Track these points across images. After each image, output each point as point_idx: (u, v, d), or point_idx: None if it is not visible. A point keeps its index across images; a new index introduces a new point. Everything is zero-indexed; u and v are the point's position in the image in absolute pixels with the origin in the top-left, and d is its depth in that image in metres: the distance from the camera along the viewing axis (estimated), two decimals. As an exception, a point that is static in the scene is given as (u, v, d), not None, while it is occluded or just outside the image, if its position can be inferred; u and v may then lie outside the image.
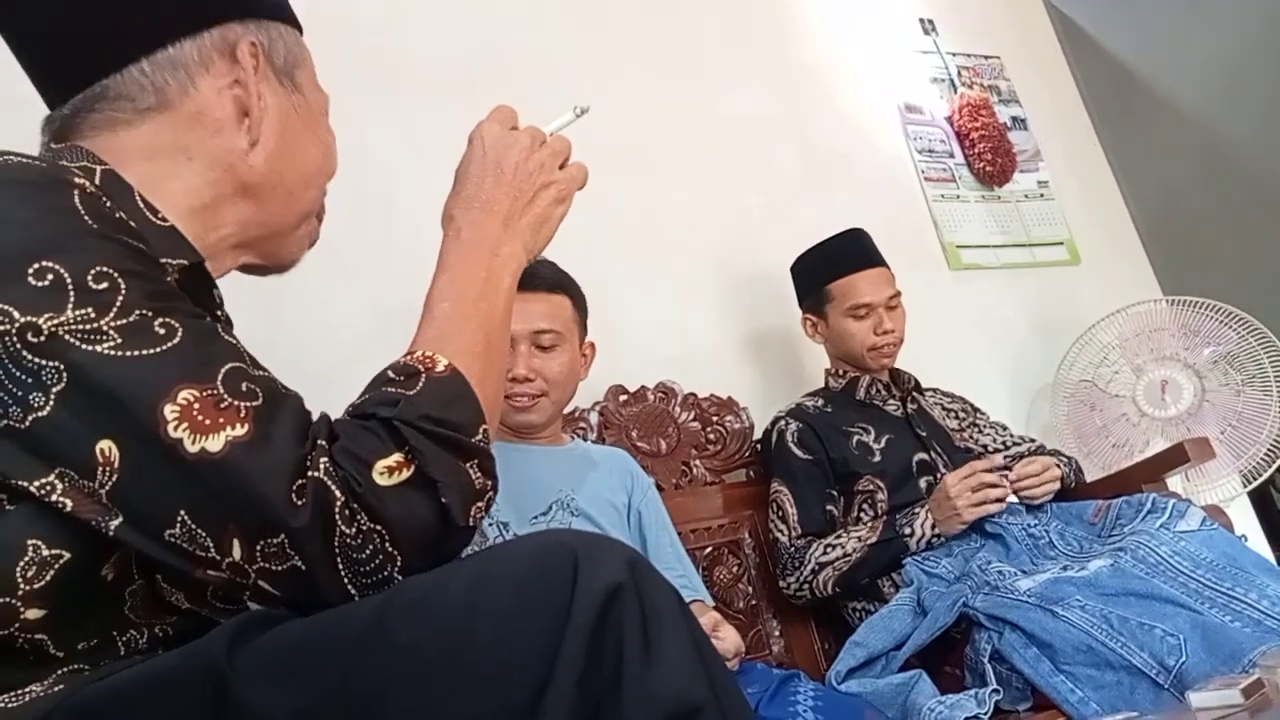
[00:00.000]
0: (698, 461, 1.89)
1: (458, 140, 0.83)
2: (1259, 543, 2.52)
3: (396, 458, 0.60)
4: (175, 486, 0.57)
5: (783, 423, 1.85)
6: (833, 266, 1.93)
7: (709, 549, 1.82)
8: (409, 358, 0.67)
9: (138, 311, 0.59)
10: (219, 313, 0.78)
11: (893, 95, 2.74)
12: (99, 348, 0.57)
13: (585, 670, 0.53)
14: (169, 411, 0.56)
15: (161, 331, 0.59)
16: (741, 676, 1.41)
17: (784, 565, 1.73)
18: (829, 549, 1.68)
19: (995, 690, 1.34)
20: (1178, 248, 2.95)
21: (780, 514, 1.76)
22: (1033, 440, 1.98)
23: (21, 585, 0.58)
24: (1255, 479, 2.27)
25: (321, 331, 1.72)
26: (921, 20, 2.93)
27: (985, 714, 1.30)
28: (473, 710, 0.53)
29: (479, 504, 0.64)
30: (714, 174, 2.33)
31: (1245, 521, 2.52)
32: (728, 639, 1.35)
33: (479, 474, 0.64)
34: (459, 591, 0.56)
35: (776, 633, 1.79)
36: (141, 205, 0.69)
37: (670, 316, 2.13)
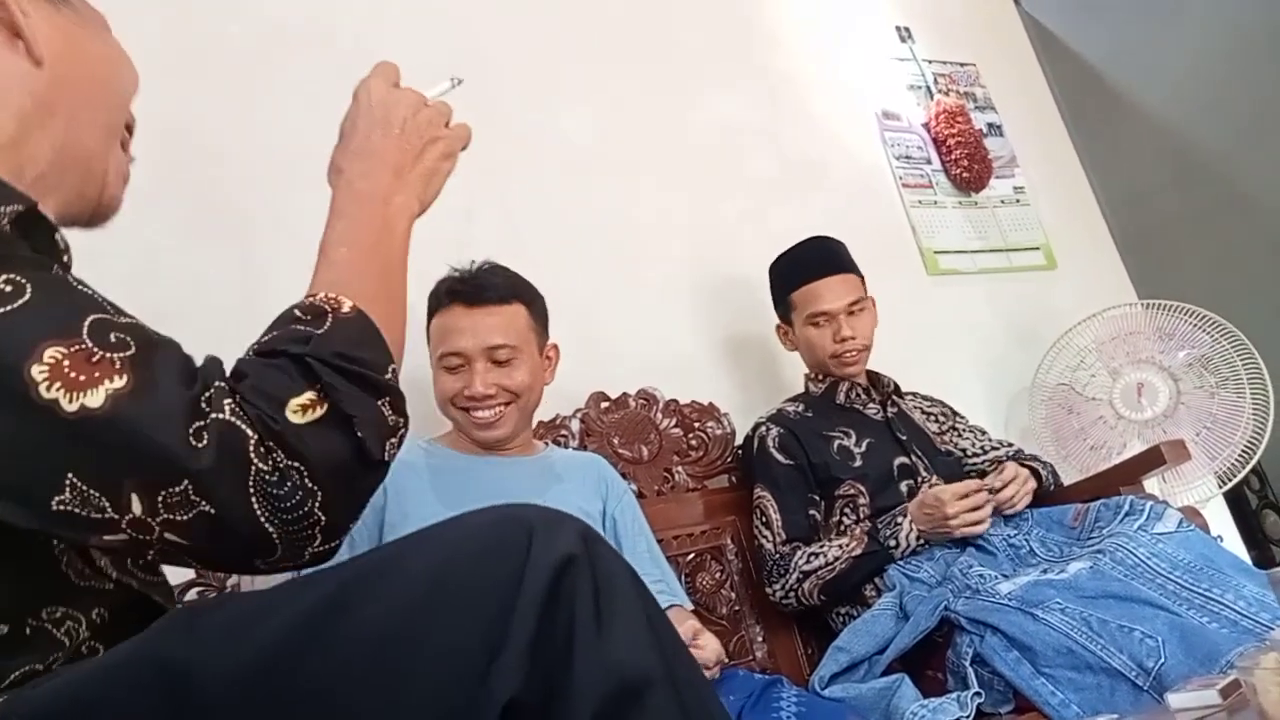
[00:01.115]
0: (680, 468, 1.89)
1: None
2: (1234, 543, 2.55)
3: (309, 395, 0.59)
4: (57, 450, 0.53)
5: (763, 428, 1.86)
6: (793, 275, 1.94)
7: (691, 555, 1.82)
8: (314, 298, 0.66)
9: None
10: (65, 259, 0.71)
11: (870, 102, 2.76)
12: None
13: (536, 638, 0.54)
14: (37, 372, 0.53)
15: (8, 289, 0.55)
16: (724, 684, 1.41)
17: (769, 572, 1.73)
18: (812, 557, 1.68)
19: (977, 693, 1.34)
20: (1152, 252, 2.99)
21: (764, 520, 1.77)
22: (1010, 444, 2.00)
23: None
24: (1230, 480, 2.30)
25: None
26: (898, 28, 2.96)
27: (967, 717, 1.30)
28: (429, 680, 0.54)
29: (393, 439, 0.64)
30: (695, 181, 2.34)
31: (1221, 522, 2.55)
32: (708, 647, 1.35)
33: (391, 411, 0.63)
34: (417, 564, 0.57)
35: (760, 638, 1.79)
36: None
37: (651, 323, 2.14)
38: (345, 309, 0.65)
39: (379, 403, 0.62)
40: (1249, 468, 2.28)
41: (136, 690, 0.54)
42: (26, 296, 0.55)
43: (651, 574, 1.52)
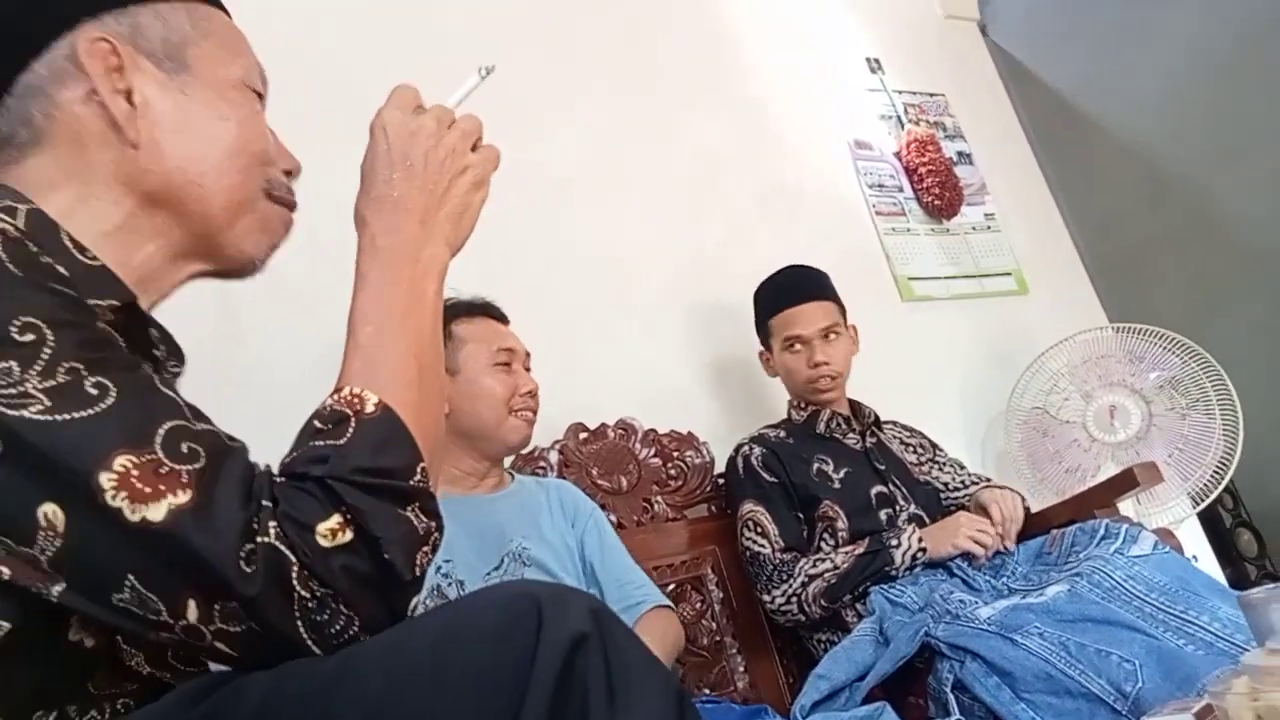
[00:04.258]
0: (659, 498, 1.89)
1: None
2: (1209, 562, 2.58)
3: (336, 519, 0.58)
4: (120, 552, 0.54)
5: (746, 448, 1.87)
6: (771, 302, 1.99)
7: (672, 585, 1.81)
8: (336, 398, 0.64)
9: (66, 365, 0.55)
10: (156, 351, 0.73)
11: (843, 132, 2.81)
12: (25, 412, 0.53)
13: None
14: (105, 480, 0.53)
15: (94, 391, 0.56)
16: (708, 715, 1.40)
17: (769, 578, 1.71)
18: (818, 562, 1.68)
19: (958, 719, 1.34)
20: (1122, 276, 3.04)
21: (759, 530, 1.76)
22: (988, 479, 2.00)
23: None
24: (1203, 500, 2.32)
25: (277, 367, 1.69)
26: (868, 59, 3.01)
27: (949, 744, 1.30)
28: None
29: (425, 549, 0.62)
30: (669, 209, 2.35)
31: (1195, 542, 2.58)
32: None
33: (421, 518, 0.61)
34: (425, 644, 0.55)
35: (741, 668, 1.79)
36: (69, 244, 0.65)
37: (628, 353, 2.14)
38: (369, 409, 0.62)
39: (407, 511, 0.61)
40: (1221, 487, 2.31)
41: None
42: (110, 400, 0.56)
43: (634, 580, 1.52)
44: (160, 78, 0.72)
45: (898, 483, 1.86)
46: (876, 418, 2.02)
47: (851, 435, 1.95)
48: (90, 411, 0.55)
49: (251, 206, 0.76)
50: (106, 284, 0.66)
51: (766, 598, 1.71)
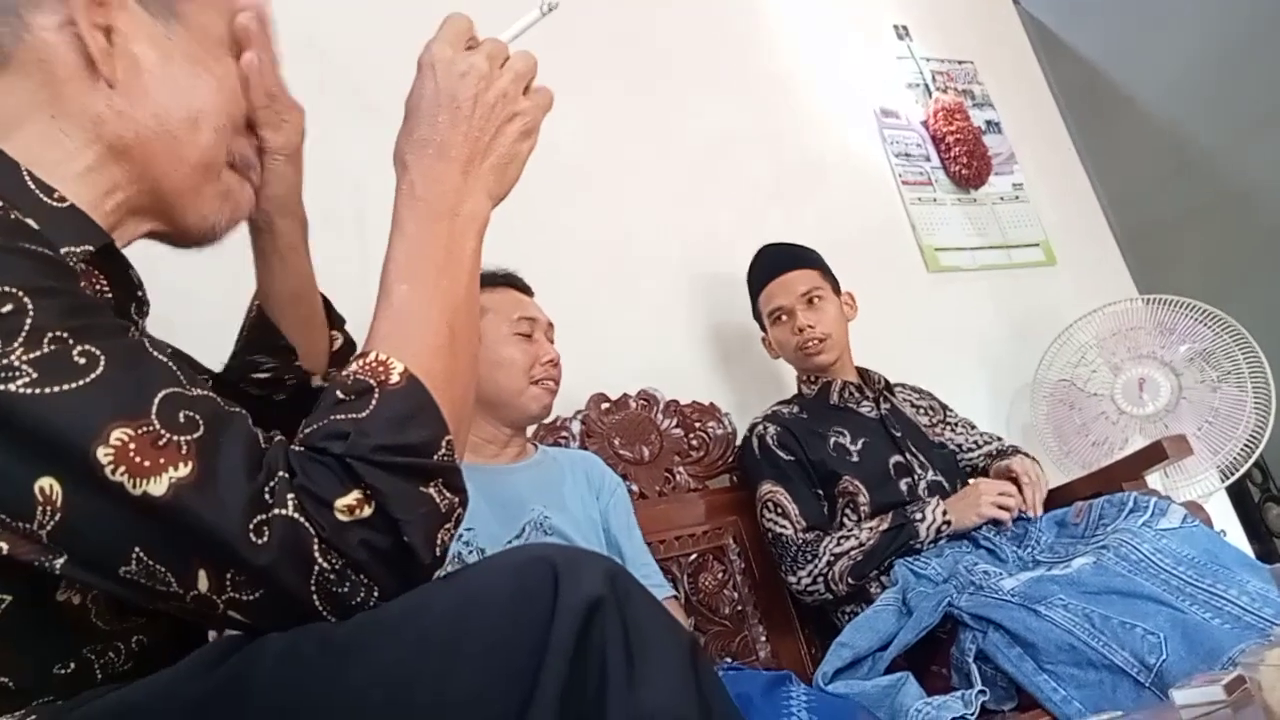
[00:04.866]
0: (681, 468, 1.89)
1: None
2: (1237, 536, 2.55)
3: (355, 495, 0.56)
4: (124, 527, 0.53)
5: (760, 427, 1.86)
6: (754, 284, 2.02)
7: (693, 556, 1.82)
8: (361, 364, 0.62)
9: (51, 334, 0.53)
10: (139, 293, 0.71)
11: (870, 100, 2.77)
12: (12, 386, 0.51)
13: (568, 687, 0.52)
14: (103, 454, 0.52)
15: (82, 361, 0.53)
16: (732, 681, 1.41)
17: (794, 559, 1.70)
18: (843, 540, 1.68)
19: (981, 690, 1.34)
20: (1151, 247, 2.99)
21: (780, 510, 1.75)
22: (1000, 439, 2.00)
23: None
24: (1232, 474, 2.29)
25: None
26: (896, 26, 2.96)
27: (972, 715, 1.30)
28: None
29: (447, 525, 0.60)
30: (694, 183, 2.33)
31: (1223, 516, 2.55)
32: None
33: (445, 494, 0.60)
34: (441, 612, 0.55)
35: (763, 638, 1.79)
36: (32, 186, 0.61)
37: (650, 325, 2.14)
38: (393, 379, 0.60)
39: (429, 489, 0.59)
40: (1251, 461, 2.27)
41: None
42: (99, 370, 0.54)
43: (643, 568, 1.53)
44: (145, 20, 0.68)
45: (914, 450, 1.85)
46: (887, 383, 2.01)
47: (865, 403, 1.93)
48: (80, 382, 0.53)
49: (217, 173, 0.73)
50: (78, 227, 0.63)
51: (792, 579, 1.70)
